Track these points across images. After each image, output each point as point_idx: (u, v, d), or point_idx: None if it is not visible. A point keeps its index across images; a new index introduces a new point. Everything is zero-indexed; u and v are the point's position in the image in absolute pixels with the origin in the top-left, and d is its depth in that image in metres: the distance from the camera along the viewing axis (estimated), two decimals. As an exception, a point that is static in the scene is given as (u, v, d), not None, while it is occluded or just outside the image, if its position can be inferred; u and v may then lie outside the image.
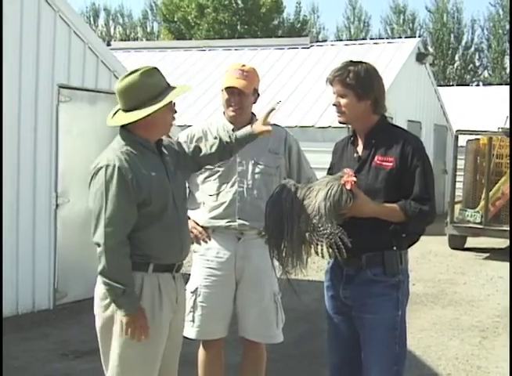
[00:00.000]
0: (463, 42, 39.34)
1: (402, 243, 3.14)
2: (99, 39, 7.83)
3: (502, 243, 11.06)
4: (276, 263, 3.15)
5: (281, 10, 34.54)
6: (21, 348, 5.57)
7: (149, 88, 2.97)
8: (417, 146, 3.14)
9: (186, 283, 3.65)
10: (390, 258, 3.10)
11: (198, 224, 3.84)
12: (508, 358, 5.23)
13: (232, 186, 3.78)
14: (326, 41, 29.91)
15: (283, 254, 3.06)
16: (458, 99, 21.28)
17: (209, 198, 3.82)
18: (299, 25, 36.43)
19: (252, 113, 3.89)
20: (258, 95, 3.89)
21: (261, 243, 3.63)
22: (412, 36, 34.63)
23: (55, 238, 6.77)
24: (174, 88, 3.05)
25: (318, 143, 10.53)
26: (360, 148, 3.21)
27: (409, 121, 13.95)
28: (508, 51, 35.96)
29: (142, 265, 2.98)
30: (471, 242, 11.38)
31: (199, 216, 3.85)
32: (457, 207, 11.24)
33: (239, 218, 3.75)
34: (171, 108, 3.05)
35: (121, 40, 36.80)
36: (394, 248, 3.10)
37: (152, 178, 2.98)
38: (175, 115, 3.11)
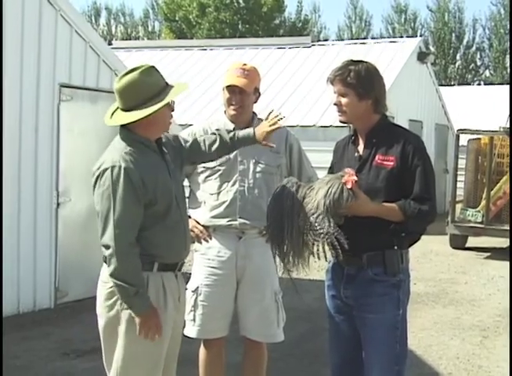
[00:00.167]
0: (465, 42, 39.34)
1: (403, 242, 3.14)
2: (101, 38, 7.83)
3: (503, 242, 11.05)
4: (278, 261, 3.15)
5: (282, 9, 34.53)
6: (22, 347, 5.57)
7: (149, 87, 2.96)
8: (418, 145, 3.14)
9: (187, 282, 3.66)
10: (391, 258, 3.10)
11: (199, 223, 3.84)
12: (509, 357, 5.22)
13: (233, 185, 3.77)
14: (327, 40, 29.99)
15: (284, 252, 3.06)
16: (459, 98, 21.25)
17: (210, 197, 3.82)
18: (300, 24, 36.41)
19: (253, 112, 3.89)
20: (259, 94, 3.89)
21: (262, 242, 3.63)
22: (414, 35, 34.63)
23: (56, 237, 6.78)
24: (172, 86, 3.04)
25: (319, 143, 10.51)
26: (361, 147, 3.21)
27: (410, 120, 13.94)
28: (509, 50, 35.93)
29: (146, 264, 2.98)
30: (472, 241, 11.38)
31: (200, 215, 3.85)
32: (458, 206, 11.23)
33: (240, 217, 3.75)
34: (169, 106, 3.04)
35: (122, 39, 36.76)
36: (395, 248, 3.10)
37: (157, 178, 2.98)
38: (173, 113, 3.11)
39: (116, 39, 35.14)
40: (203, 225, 3.83)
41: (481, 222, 10.69)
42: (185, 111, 12.38)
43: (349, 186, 2.96)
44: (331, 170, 3.34)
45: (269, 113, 3.47)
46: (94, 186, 2.97)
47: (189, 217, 3.68)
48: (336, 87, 3.16)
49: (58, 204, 6.79)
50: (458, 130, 11.62)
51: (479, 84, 36.76)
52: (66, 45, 6.83)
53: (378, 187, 3.08)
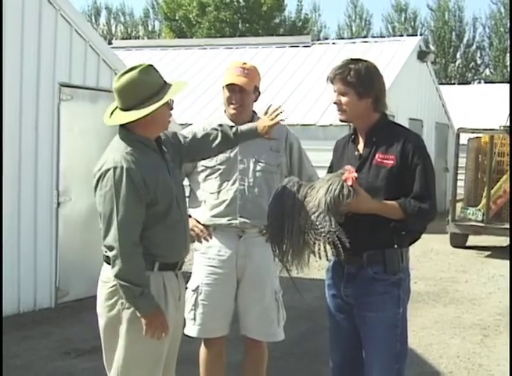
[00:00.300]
0: (465, 40, 39.28)
1: (403, 241, 3.14)
2: (101, 38, 7.84)
3: (503, 241, 11.05)
4: (277, 260, 3.15)
5: (282, 8, 34.48)
6: (23, 346, 5.57)
7: (147, 85, 2.95)
8: (418, 144, 3.14)
9: (187, 281, 3.66)
10: (391, 256, 3.10)
11: (199, 222, 3.84)
12: (509, 356, 5.22)
13: (233, 184, 3.77)
14: (327, 39, 29.92)
15: (284, 251, 3.06)
16: (459, 97, 21.22)
17: (210, 196, 3.82)
18: (300, 23, 36.36)
19: (253, 111, 3.89)
20: (259, 93, 3.89)
21: (263, 241, 3.63)
22: (414, 34, 34.56)
23: (56, 236, 6.78)
24: (171, 85, 3.03)
25: (319, 141, 10.50)
26: (361, 146, 3.21)
27: (410, 119, 13.94)
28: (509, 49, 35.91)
29: (147, 264, 2.97)
30: (473, 240, 11.38)
31: (200, 214, 3.85)
32: (459, 205, 11.23)
33: (240, 216, 3.75)
34: (168, 105, 3.04)
35: (122, 38, 36.73)
36: (395, 246, 3.10)
37: (158, 178, 2.98)
38: (171, 112, 3.10)
39: (116, 38, 35.12)
40: (203, 225, 3.83)
41: (481, 221, 10.68)
42: (185, 110, 12.37)
43: (349, 182, 2.96)
44: (331, 169, 3.34)
45: (268, 108, 3.47)
46: (95, 187, 2.95)
47: (190, 216, 3.68)
48: (336, 86, 3.16)
49: (58, 204, 6.79)
50: (458, 129, 11.62)
51: (479, 83, 36.72)
52: (66, 45, 6.83)
53: (378, 186, 3.08)
